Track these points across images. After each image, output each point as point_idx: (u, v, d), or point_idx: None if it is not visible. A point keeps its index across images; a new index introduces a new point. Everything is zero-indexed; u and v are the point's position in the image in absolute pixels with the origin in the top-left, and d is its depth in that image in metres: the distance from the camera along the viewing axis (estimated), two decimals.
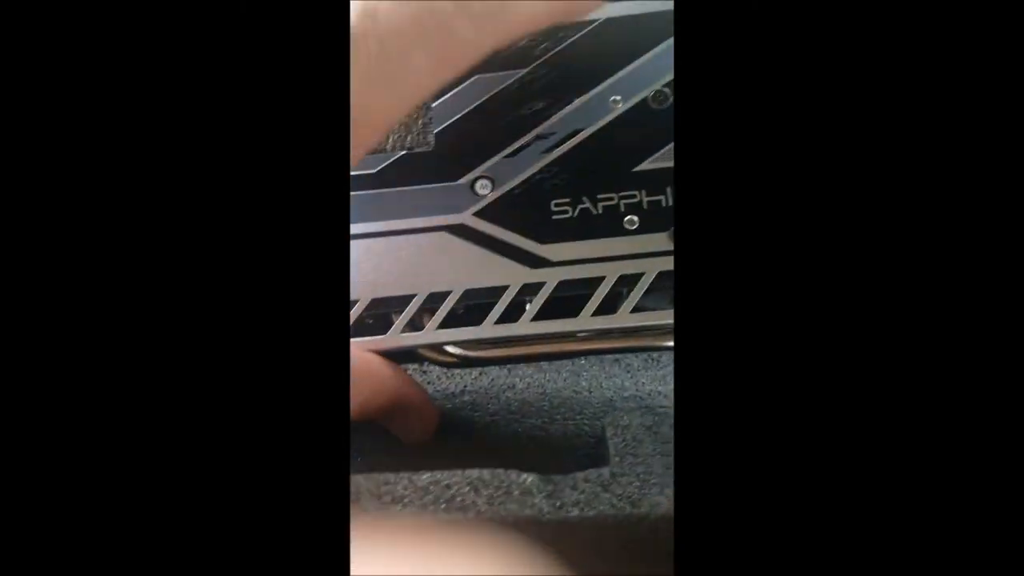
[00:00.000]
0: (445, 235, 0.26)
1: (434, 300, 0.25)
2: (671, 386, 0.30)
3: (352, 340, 0.25)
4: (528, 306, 0.25)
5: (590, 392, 0.30)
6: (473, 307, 0.25)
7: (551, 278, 0.25)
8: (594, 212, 0.26)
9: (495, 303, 0.25)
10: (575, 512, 0.21)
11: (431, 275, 0.26)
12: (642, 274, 0.25)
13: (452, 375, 0.30)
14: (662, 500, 0.21)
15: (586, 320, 0.25)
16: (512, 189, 0.26)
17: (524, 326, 0.25)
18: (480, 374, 0.31)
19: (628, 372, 0.31)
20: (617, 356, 0.31)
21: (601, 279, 0.25)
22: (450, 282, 0.25)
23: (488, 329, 0.25)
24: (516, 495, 0.21)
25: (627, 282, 0.25)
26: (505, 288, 0.25)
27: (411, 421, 0.27)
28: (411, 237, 0.26)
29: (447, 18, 0.19)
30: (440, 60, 0.20)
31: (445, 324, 0.25)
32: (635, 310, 0.25)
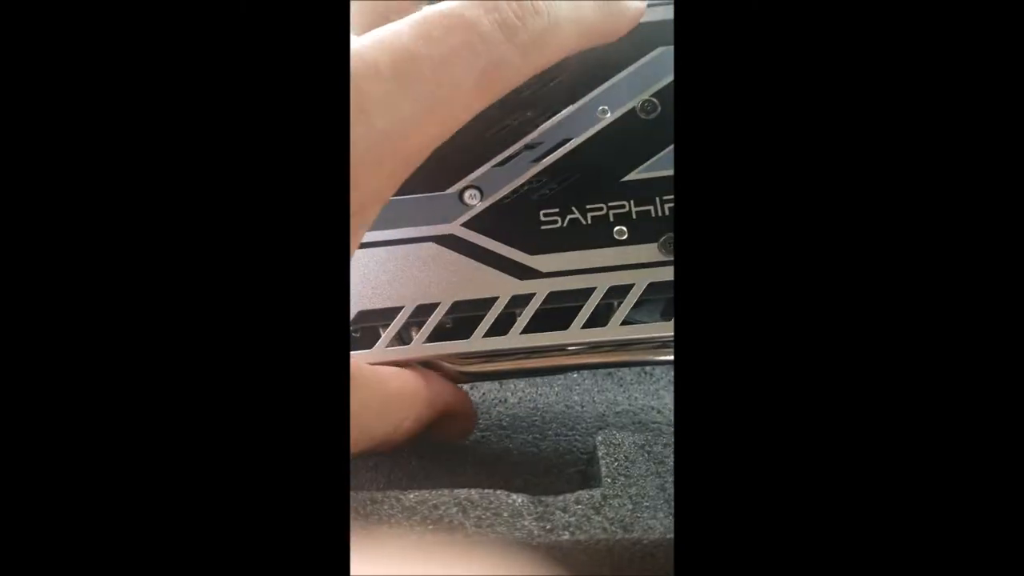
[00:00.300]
0: (433, 246, 0.25)
1: (422, 312, 0.25)
2: (664, 401, 0.29)
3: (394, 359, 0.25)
4: (518, 318, 0.25)
5: (582, 407, 0.29)
6: (462, 319, 0.25)
7: (541, 289, 0.25)
8: (583, 222, 0.25)
9: (484, 315, 0.25)
10: (566, 535, 0.20)
11: (419, 287, 0.25)
12: (632, 285, 0.24)
13: None
14: (655, 524, 0.20)
15: (576, 332, 0.24)
16: (501, 199, 0.26)
17: (514, 339, 0.25)
18: (471, 388, 0.30)
19: (621, 386, 0.30)
20: (610, 371, 0.31)
21: (591, 290, 0.25)
22: (438, 294, 0.25)
23: (477, 342, 0.25)
24: (505, 516, 0.21)
25: (617, 293, 0.24)
26: (494, 300, 0.25)
27: (457, 423, 0.27)
28: (399, 248, 0.25)
29: (496, 45, 0.20)
30: (487, 85, 0.20)
31: (433, 337, 0.25)
32: (625, 322, 0.24)
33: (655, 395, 0.30)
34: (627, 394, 0.30)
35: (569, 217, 0.25)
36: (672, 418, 0.29)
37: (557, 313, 0.25)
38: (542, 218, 0.25)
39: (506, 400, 0.30)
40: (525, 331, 0.25)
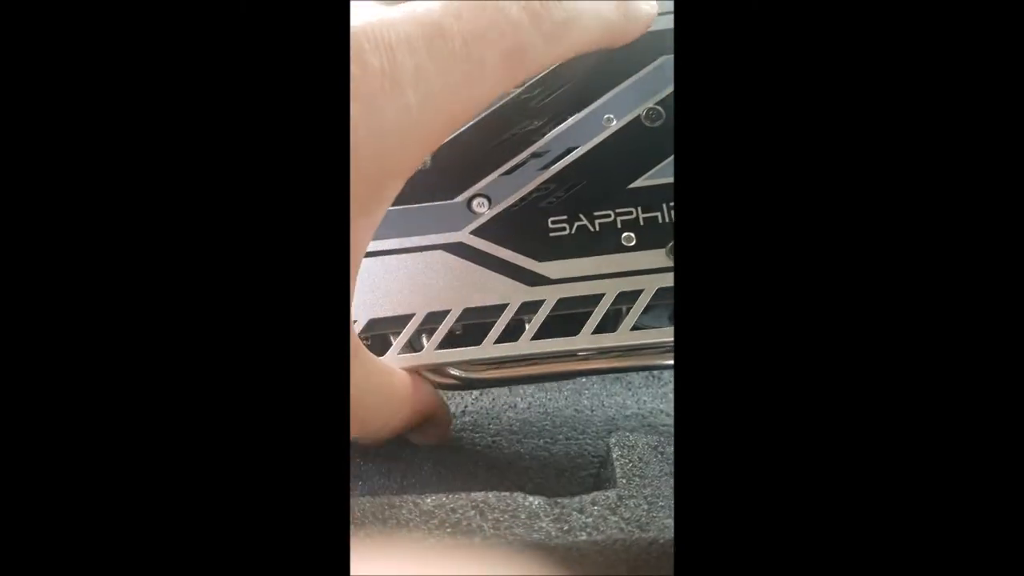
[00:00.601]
0: (443, 254, 0.26)
1: (432, 320, 0.25)
2: (671, 405, 0.29)
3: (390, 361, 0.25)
4: (528, 325, 0.25)
5: (592, 411, 0.30)
6: (472, 326, 0.25)
7: (550, 296, 0.25)
8: (591, 229, 0.26)
9: (494, 322, 0.25)
10: (583, 536, 0.20)
11: (429, 294, 0.25)
12: (641, 291, 0.25)
13: (452, 395, 0.30)
14: (671, 523, 0.20)
15: (586, 338, 0.25)
16: (509, 207, 0.26)
17: (524, 345, 0.25)
18: (481, 394, 0.30)
19: (630, 390, 0.31)
20: (618, 375, 0.31)
21: (600, 296, 0.25)
22: (448, 301, 0.25)
23: (488, 349, 0.25)
24: (523, 518, 0.21)
25: (626, 299, 0.25)
26: (504, 307, 0.25)
27: (434, 428, 0.27)
28: (408, 256, 0.26)
29: (522, 29, 0.20)
30: (511, 67, 0.21)
31: (444, 344, 0.25)
32: (635, 328, 0.25)
33: (663, 398, 0.30)
34: (636, 398, 0.30)
35: (577, 224, 0.26)
36: None
37: (567, 319, 0.25)
38: (550, 225, 0.26)
39: (516, 405, 0.30)
40: (535, 337, 0.25)
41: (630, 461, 0.23)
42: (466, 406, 0.30)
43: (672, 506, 0.21)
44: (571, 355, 0.25)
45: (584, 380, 0.31)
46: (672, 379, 0.31)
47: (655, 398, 0.30)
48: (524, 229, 0.26)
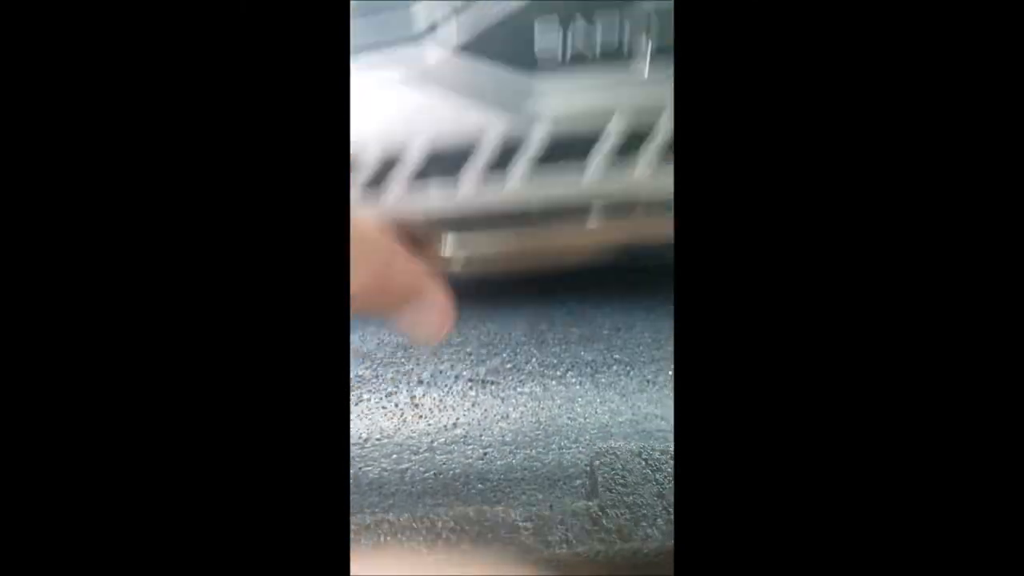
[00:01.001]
0: (404, 72, 0.20)
1: (393, 154, 0.20)
2: (667, 409, 0.29)
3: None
4: (513, 166, 0.20)
5: (585, 418, 0.29)
6: (441, 167, 0.20)
7: (541, 130, 0.20)
8: (591, 50, 0.20)
9: (470, 162, 0.20)
10: (564, 549, 0.20)
11: (387, 124, 0.20)
12: (653, 125, 0.19)
13: (444, 407, 0.30)
14: (654, 532, 0.20)
15: (587, 181, 0.20)
16: (485, 12, 0.20)
17: (513, 190, 0.20)
18: (472, 405, 0.30)
19: (623, 396, 0.30)
20: (611, 382, 0.30)
21: (602, 131, 0.20)
22: (414, 132, 0.20)
23: (464, 194, 0.20)
24: (502, 533, 0.20)
25: (636, 140, 0.20)
26: (482, 142, 0.20)
27: (428, 318, 0.21)
28: (359, 74, 0.20)
29: None
30: None
31: (408, 188, 0.20)
32: (646, 170, 0.20)
33: (658, 403, 0.29)
34: (629, 403, 0.30)
35: (573, 40, 0.20)
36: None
37: (563, 160, 0.20)
38: (537, 39, 0.20)
39: (508, 415, 0.30)
40: (524, 178, 0.20)
41: (612, 469, 0.22)
42: (457, 418, 0.30)
43: (655, 514, 0.20)
44: (574, 216, 0.20)
45: (577, 387, 0.30)
46: (666, 383, 0.30)
47: (650, 402, 0.29)
48: (507, 44, 0.20)
